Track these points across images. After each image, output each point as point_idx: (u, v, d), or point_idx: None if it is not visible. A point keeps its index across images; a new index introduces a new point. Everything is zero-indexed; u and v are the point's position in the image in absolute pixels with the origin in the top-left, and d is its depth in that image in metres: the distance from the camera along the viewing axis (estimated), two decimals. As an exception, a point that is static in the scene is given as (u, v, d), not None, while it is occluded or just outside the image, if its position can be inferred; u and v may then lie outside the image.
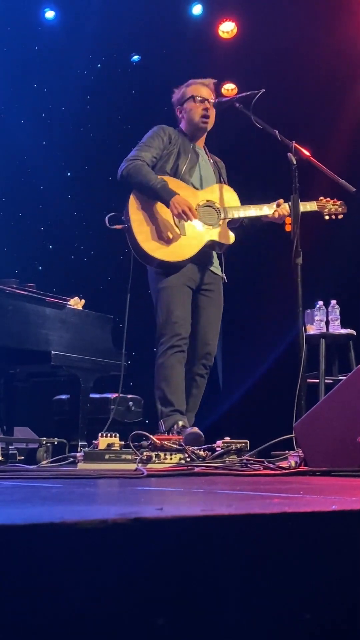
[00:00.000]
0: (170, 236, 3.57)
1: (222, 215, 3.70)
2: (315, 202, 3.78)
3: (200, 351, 3.72)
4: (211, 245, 3.70)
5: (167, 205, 3.55)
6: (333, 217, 3.81)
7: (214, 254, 3.79)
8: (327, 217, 3.80)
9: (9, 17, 6.15)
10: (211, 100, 3.79)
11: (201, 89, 3.83)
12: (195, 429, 3.32)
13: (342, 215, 3.81)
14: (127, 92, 6.61)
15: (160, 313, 3.64)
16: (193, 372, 3.69)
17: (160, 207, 3.59)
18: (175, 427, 3.38)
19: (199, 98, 3.80)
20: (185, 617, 0.71)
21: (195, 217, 3.56)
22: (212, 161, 3.91)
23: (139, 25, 6.24)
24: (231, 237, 3.71)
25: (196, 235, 3.63)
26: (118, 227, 3.60)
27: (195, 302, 3.72)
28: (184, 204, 3.53)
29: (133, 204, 3.59)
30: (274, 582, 0.78)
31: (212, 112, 3.81)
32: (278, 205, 3.72)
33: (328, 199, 3.81)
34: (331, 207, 3.80)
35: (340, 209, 3.80)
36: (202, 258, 3.69)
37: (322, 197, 3.82)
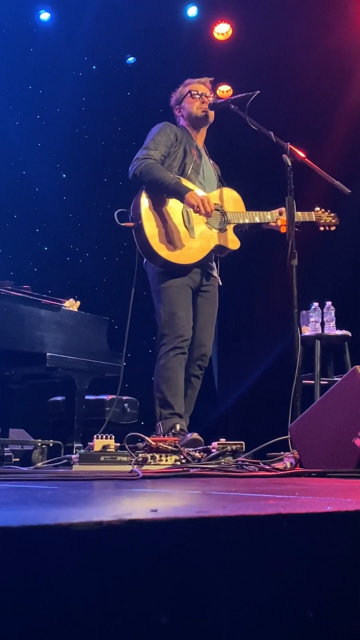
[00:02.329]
0: (181, 238, 3.58)
1: (229, 220, 3.72)
2: (312, 212, 3.84)
3: (196, 352, 3.73)
4: (216, 250, 3.72)
5: (182, 200, 3.55)
6: (327, 228, 3.89)
7: (213, 256, 3.81)
8: (321, 229, 3.90)
9: (4, 19, 6.14)
10: (209, 95, 3.81)
11: (198, 86, 3.87)
12: (195, 435, 3.32)
13: (334, 227, 3.90)
14: (122, 94, 6.61)
15: (162, 313, 3.63)
16: (188, 373, 3.70)
17: (171, 207, 3.59)
18: (173, 430, 3.39)
19: (196, 92, 3.83)
20: (182, 619, 0.71)
21: (212, 209, 3.56)
22: (211, 162, 3.93)
23: (134, 27, 6.25)
24: (236, 244, 3.75)
25: (205, 238, 3.65)
26: (129, 224, 3.58)
27: (193, 302, 3.73)
28: (200, 197, 3.53)
29: (145, 203, 3.57)
30: (270, 583, 0.78)
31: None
32: (280, 214, 3.76)
33: (323, 210, 3.88)
34: (326, 218, 3.88)
35: (334, 221, 3.91)
36: (205, 261, 3.70)
37: (317, 208, 3.88)
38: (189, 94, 3.84)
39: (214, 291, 3.83)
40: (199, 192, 3.63)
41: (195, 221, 3.62)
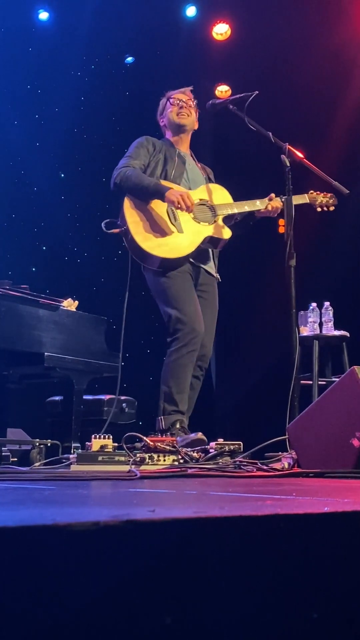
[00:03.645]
0: (168, 234, 3.59)
1: (217, 212, 3.72)
2: (306, 194, 3.81)
3: (197, 353, 3.72)
4: (208, 242, 3.71)
5: (163, 200, 3.56)
6: (325, 209, 3.85)
7: (210, 253, 3.81)
8: (319, 209, 3.85)
9: (3, 18, 6.14)
10: (189, 102, 3.89)
11: (177, 94, 3.94)
12: (200, 435, 3.31)
13: (333, 207, 3.86)
14: (121, 94, 6.61)
15: (169, 311, 3.62)
16: None
17: (154, 207, 3.61)
18: (173, 427, 3.40)
19: (175, 100, 3.90)
20: (180, 620, 0.71)
21: (193, 203, 3.57)
22: (199, 165, 3.95)
23: (133, 27, 6.25)
24: (227, 232, 3.74)
25: (193, 231, 3.65)
26: (115, 231, 3.62)
27: None
28: (179, 192, 3.56)
29: (128, 207, 3.61)
30: (268, 583, 0.78)
31: (190, 112, 3.89)
32: (270, 199, 3.76)
33: (318, 192, 3.85)
34: (322, 199, 3.84)
35: (331, 201, 3.85)
36: (199, 256, 3.71)
37: (312, 191, 3.85)
38: (168, 102, 3.91)
39: (213, 291, 3.83)
40: (185, 190, 3.66)
41: (182, 218, 3.63)
